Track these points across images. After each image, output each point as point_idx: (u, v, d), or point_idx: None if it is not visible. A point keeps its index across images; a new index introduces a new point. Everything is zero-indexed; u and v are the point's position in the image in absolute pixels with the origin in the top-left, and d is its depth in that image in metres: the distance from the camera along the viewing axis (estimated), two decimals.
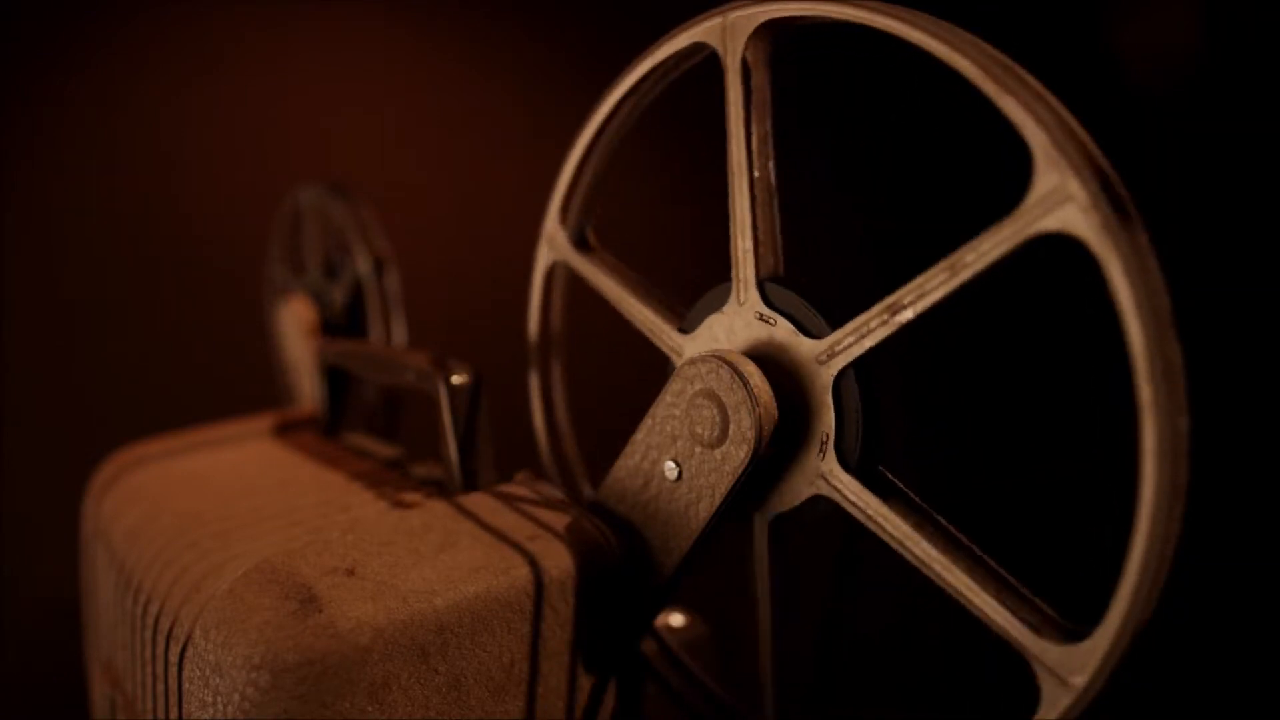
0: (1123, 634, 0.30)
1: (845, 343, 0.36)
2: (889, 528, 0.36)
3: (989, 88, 0.31)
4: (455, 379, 0.48)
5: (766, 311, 0.39)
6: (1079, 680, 0.31)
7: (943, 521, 0.36)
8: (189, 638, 0.39)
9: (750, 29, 0.39)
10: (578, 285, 0.51)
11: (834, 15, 0.36)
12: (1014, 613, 0.33)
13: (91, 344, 1.08)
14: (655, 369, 0.44)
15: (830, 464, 0.37)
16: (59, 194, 1.06)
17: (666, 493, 0.41)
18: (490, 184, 1.27)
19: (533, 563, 0.39)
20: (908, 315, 0.34)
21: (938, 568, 0.35)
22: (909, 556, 0.35)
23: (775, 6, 0.38)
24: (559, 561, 0.40)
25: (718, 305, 0.41)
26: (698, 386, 0.39)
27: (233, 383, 1.05)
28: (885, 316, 0.35)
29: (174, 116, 1.11)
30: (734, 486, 0.39)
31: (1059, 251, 0.31)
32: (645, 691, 0.47)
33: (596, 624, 0.41)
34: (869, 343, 0.35)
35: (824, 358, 0.37)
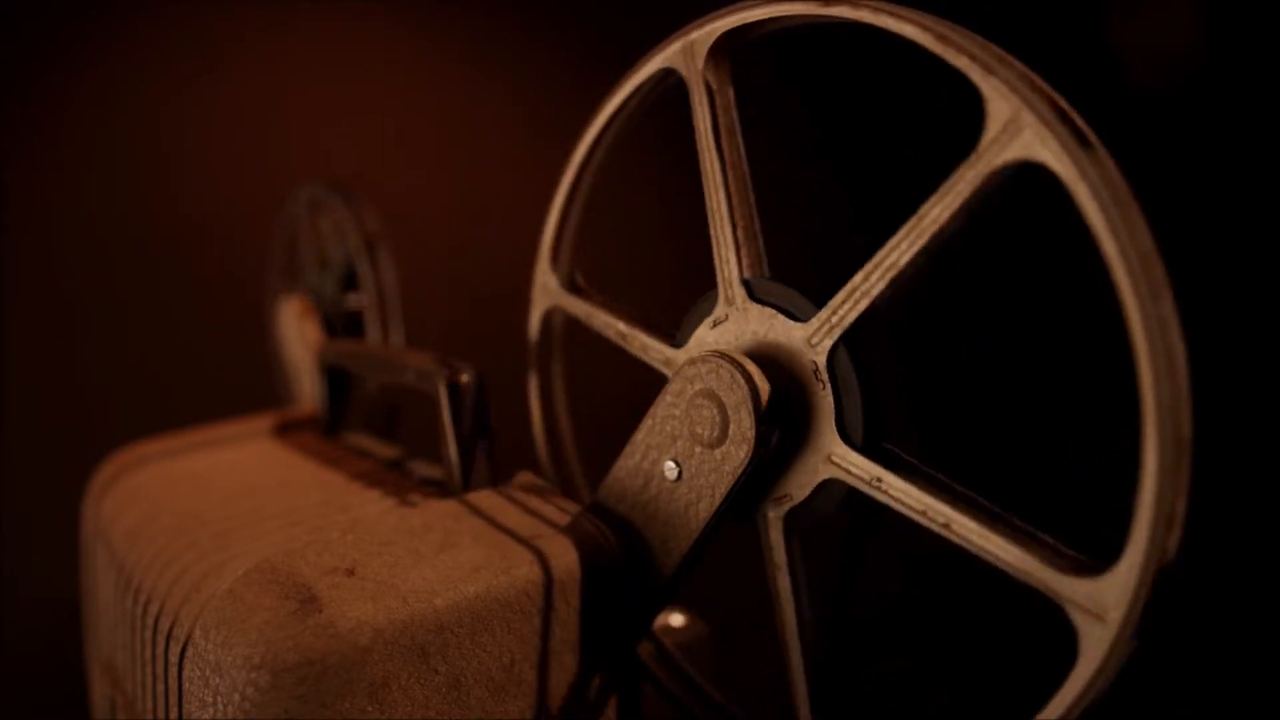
0: (1150, 555, 0.29)
1: (832, 318, 0.36)
2: (901, 497, 0.35)
3: (936, 47, 0.32)
4: (455, 379, 0.48)
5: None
6: (1116, 614, 0.30)
7: (953, 484, 0.35)
8: (189, 638, 0.39)
9: (708, 46, 0.40)
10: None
11: (783, 13, 0.37)
12: (1038, 557, 0.32)
13: (92, 344, 1.08)
14: (655, 369, 0.44)
15: (835, 444, 0.37)
16: (59, 194, 1.06)
17: (666, 493, 0.41)
18: (490, 184, 1.27)
19: (533, 563, 0.39)
20: (888, 277, 0.34)
21: (957, 527, 0.34)
22: (924, 522, 0.35)
23: (728, 20, 0.40)
24: (559, 561, 0.40)
25: (706, 312, 0.41)
26: (698, 386, 0.39)
27: (233, 383, 1.05)
28: (866, 283, 0.35)
29: (174, 116, 1.11)
30: (734, 486, 0.39)
31: (1046, 211, 0.31)
32: (644, 691, 0.47)
33: (597, 624, 0.41)
34: (855, 313, 0.35)
35: (815, 338, 0.37)
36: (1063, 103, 0.30)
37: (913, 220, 0.33)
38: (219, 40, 1.13)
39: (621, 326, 0.46)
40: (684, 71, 0.42)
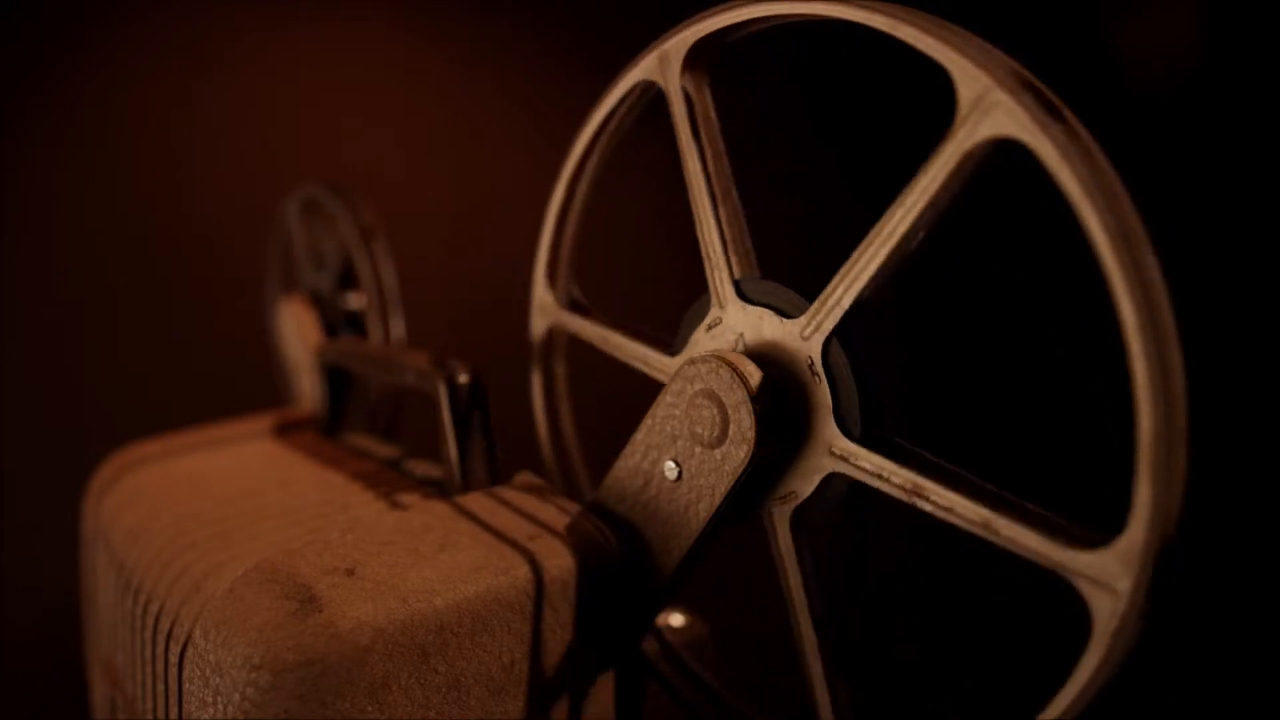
0: (1154, 523, 0.29)
1: (823, 312, 0.36)
2: (901, 483, 0.35)
3: (901, 32, 0.32)
4: (455, 379, 0.48)
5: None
6: (1125, 584, 0.30)
7: (951, 466, 0.35)
8: (189, 638, 0.39)
9: (683, 54, 0.41)
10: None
11: (751, 15, 0.38)
12: (1042, 534, 0.32)
13: (92, 344, 1.08)
14: (656, 380, 0.44)
15: (834, 436, 0.37)
16: (59, 194, 1.06)
17: (666, 493, 0.41)
18: (490, 183, 1.27)
19: (533, 563, 0.39)
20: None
21: (960, 509, 0.34)
22: (926, 507, 0.34)
23: (698, 27, 0.40)
24: (559, 561, 0.40)
25: (700, 317, 0.42)
26: (697, 386, 0.39)
27: (233, 383, 1.05)
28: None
29: (174, 116, 1.11)
30: (734, 486, 0.39)
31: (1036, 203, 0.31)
32: (645, 691, 0.47)
33: (597, 624, 0.41)
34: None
35: (808, 333, 0.37)
36: (1029, 75, 0.31)
37: (894, 206, 0.34)
38: (218, 40, 1.13)
39: (620, 341, 0.46)
40: (661, 82, 0.42)
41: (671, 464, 0.41)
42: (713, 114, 0.42)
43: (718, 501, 0.39)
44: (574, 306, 0.50)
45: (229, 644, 0.36)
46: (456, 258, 1.25)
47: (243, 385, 0.95)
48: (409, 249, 0.78)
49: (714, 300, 0.41)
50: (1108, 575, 0.30)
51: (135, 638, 0.46)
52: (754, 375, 0.37)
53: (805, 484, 0.38)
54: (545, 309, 0.51)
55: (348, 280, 0.74)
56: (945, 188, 0.32)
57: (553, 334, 0.52)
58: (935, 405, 1.06)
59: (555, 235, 0.50)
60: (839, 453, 0.37)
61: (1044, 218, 0.42)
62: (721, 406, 0.38)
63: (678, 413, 0.40)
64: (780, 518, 0.39)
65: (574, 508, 0.44)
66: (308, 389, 0.70)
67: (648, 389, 0.42)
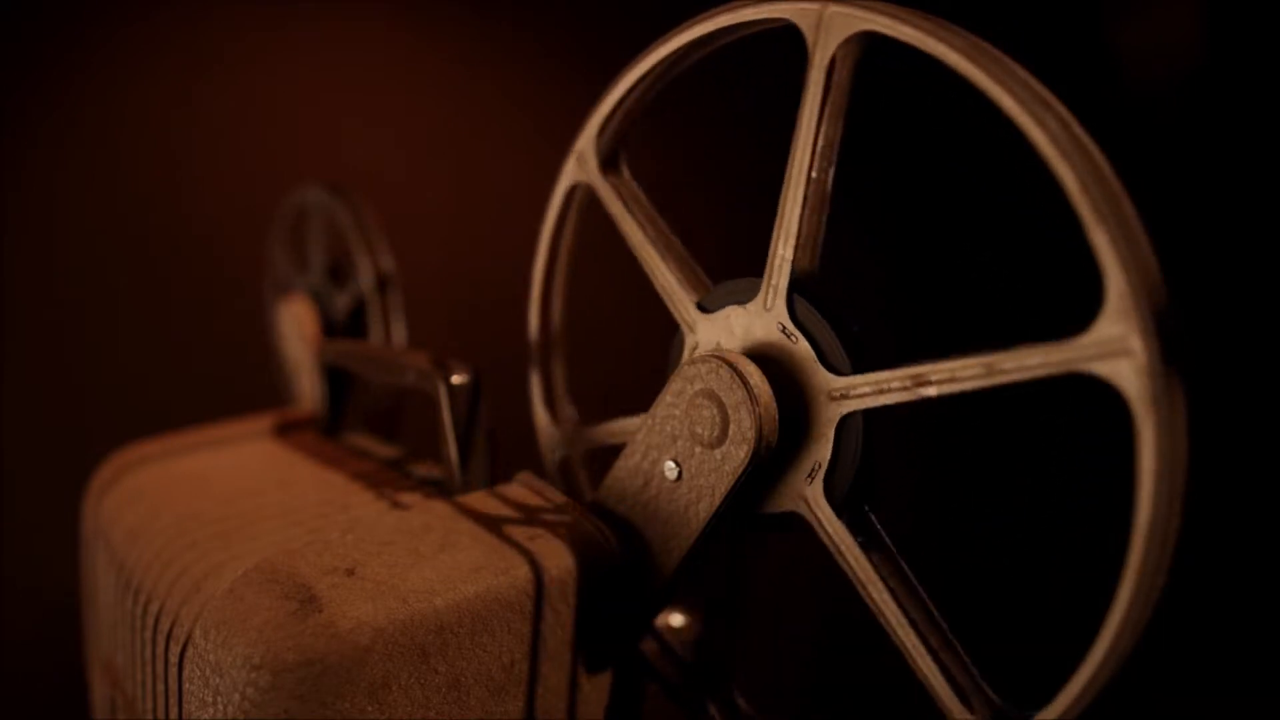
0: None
1: (861, 390, 0.36)
2: (855, 566, 0.37)
3: (1084, 209, 0.29)
4: (455, 379, 0.48)
5: (791, 327, 0.38)
6: (1137, 343, 0.28)
7: (910, 576, 0.36)
8: (189, 638, 0.39)
9: (848, 31, 0.36)
10: (577, 283, 0.51)
11: (938, 54, 0.32)
12: (951, 682, 0.33)
13: (92, 344, 1.08)
14: (656, 369, 0.44)
15: (815, 492, 0.38)
16: (59, 194, 1.06)
17: (666, 493, 0.41)
18: (491, 184, 1.27)
19: (533, 563, 0.39)
20: (931, 392, 0.34)
21: (890, 618, 0.35)
22: (865, 597, 0.36)
23: (885, 22, 0.34)
24: (559, 561, 0.40)
25: (743, 298, 0.40)
26: (698, 386, 0.39)
27: (233, 383, 1.05)
28: (908, 383, 0.34)
29: (174, 116, 1.11)
30: (734, 487, 0.39)
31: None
32: (645, 691, 0.47)
33: (596, 624, 0.41)
34: (885, 400, 0.35)
35: (837, 395, 0.37)
36: (1178, 335, 0.29)
37: (985, 360, 0.32)
38: (218, 40, 1.13)
39: (653, 252, 0.44)
40: (809, 37, 0.37)
41: (671, 464, 0.41)
42: (847, 97, 0.37)
43: (718, 501, 0.39)
44: (614, 170, 0.46)
45: (229, 644, 0.36)
46: (456, 258, 1.25)
47: (243, 385, 0.95)
48: (409, 249, 0.78)
49: (762, 296, 0.39)
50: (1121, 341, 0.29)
51: (135, 638, 0.46)
52: (754, 376, 0.38)
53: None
54: (583, 160, 0.46)
55: (348, 280, 0.74)
56: (1034, 380, 0.31)
57: (575, 195, 0.48)
58: (912, 319, 1.04)
59: (626, 93, 0.44)
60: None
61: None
62: (721, 406, 0.38)
63: (678, 413, 0.40)
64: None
65: (574, 508, 0.44)
66: (308, 389, 0.70)
67: (647, 390, 0.42)
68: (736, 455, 0.38)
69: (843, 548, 0.37)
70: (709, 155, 1.13)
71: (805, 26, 0.37)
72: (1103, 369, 0.29)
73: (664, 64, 0.43)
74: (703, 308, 0.42)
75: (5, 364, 1.04)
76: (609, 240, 0.46)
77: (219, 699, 0.36)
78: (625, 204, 0.45)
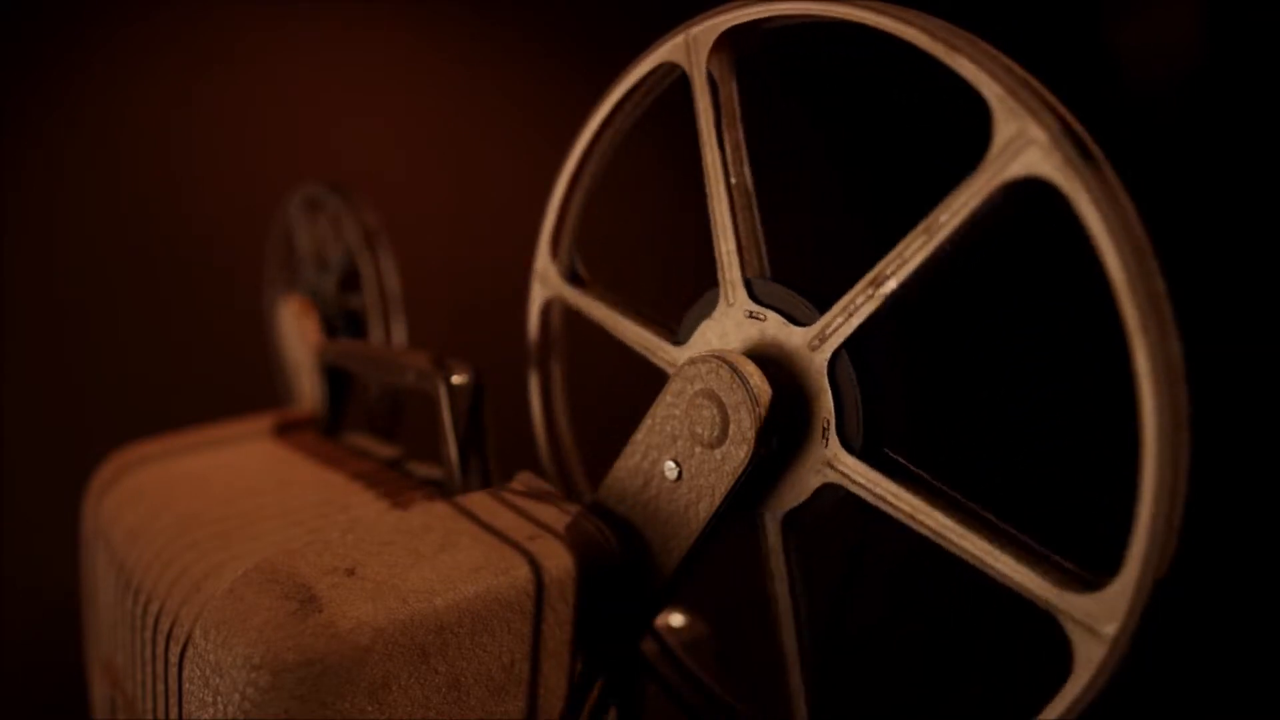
0: (1145, 574, 0.29)
1: (834, 324, 0.36)
2: (899, 504, 0.35)
3: (940, 51, 0.32)
4: (455, 379, 0.48)
5: (755, 308, 0.39)
6: (1110, 629, 0.30)
7: (952, 492, 0.35)
8: (189, 638, 0.39)
9: (711, 41, 0.40)
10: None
11: (788, 12, 0.37)
12: (1035, 571, 0.32)
13: (92, 344, 1.08)
14: (656, 369, 0.44)
15: (834, 450, 0.37)
16: (59, 194, 1.06)
17: (666, 493, 0.41)
18: (490, 184, 1.27)
19: (532, 563, 0.39)
20: (891, 285, 0.34)
21: (953, 536, 0.34)
22: (923, 530, 0.35)
23: (731, 15, 0.39)
24: (559, 561, 0.40)
25: (708, 311, 0.41)
26: (698, 386, 0.39)
27: (233, 383, 1.05)
28: (870, 290, 0.35)
29: (174, 117, 1.11)
30: (734, 486, 0.39)
31: (1048, 225, 0.31)
32: (645, 691, 0.47)
33: (597, 624, 0.41)
34: (857, 320, 0.35)
35: (815, 343, 0.37)
36: (1068, 116, 0.30)
37: (923, 225, 0.33)
38: (219, 40, 1.13)
39: (623, 321, 0.46)
40: (686, 65, 0.42)
41: (671, 464, 0.41)
42: (736, 105, 0.41)
43: (718, 501, 0.39)
44: (576, 280, 0.49)
45: (229, 644, 0.36)
46: (456, 258, 1.25)
47: (243, 385, 0.95)
48: (409, 249, 0.78)
49: (723, 296, 0.41)
50: (1095, 620, 0.31)
51: (135, 638, 0.46)
52: (754, 375, 0.37)
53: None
54: (546, 280, 0.50)
55: (348, 280, 0.74)
56: (972, 218, 0.32)
57: (551, 309, 0.51)
58: (941, 424, 1.06)
59: (563, 205, 0.48)
60: (837, 465, 0.37)
61: (1058, 245, 0.42)
62: (721, 407, 0.38)
63: (678, 413, 0.40)
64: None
65: (574, 508, 0.44)
66: (308, 389, 0.70)
67: (648, 388, 0.42)
68: (736, 455, 0.38)
69: (879, 490, 0.36)
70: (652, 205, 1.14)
71: (679, 58, 0.42)
72: (1020, 169, 0.30)
73: (587, 157, 0.47)
74: (678, 343, 0.43)
75: (5, 364, 1.04)
76: (609, 244, 0.46)
77: (219, 699, 0.36)
78: (593, 302, 0.48)
